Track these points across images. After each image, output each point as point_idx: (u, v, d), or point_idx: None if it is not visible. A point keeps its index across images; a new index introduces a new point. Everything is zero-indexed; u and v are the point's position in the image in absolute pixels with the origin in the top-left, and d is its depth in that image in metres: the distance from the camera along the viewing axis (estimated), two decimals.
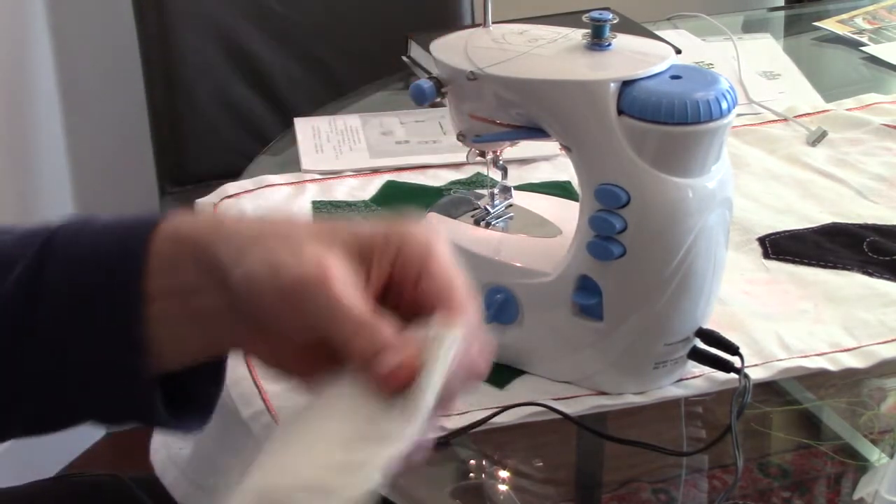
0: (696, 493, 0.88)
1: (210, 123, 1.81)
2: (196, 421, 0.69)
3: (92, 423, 0.71)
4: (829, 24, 1.64)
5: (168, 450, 1.01)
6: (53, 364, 0.65)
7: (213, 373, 0.69)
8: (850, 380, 0.95)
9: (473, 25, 1.45)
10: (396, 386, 0.58)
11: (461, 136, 0.94)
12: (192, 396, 0.68)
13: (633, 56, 0.88)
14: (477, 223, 0.97)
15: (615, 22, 0.88)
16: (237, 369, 0.93)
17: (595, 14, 0.88)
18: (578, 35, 0.90)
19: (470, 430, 0.87)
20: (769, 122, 1.36)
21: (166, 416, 0.66)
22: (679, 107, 0.82)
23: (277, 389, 0.90)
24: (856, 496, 0.83)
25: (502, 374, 0.93)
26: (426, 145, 1.30)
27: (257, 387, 0.91)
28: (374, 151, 1.28)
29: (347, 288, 0.60)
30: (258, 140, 1.54)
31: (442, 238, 0.63)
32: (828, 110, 1.38)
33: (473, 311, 0.61)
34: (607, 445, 0.90)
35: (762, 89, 1.43)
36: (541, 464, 0.89)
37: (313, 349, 0.62)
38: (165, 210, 1.79)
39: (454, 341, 0.58)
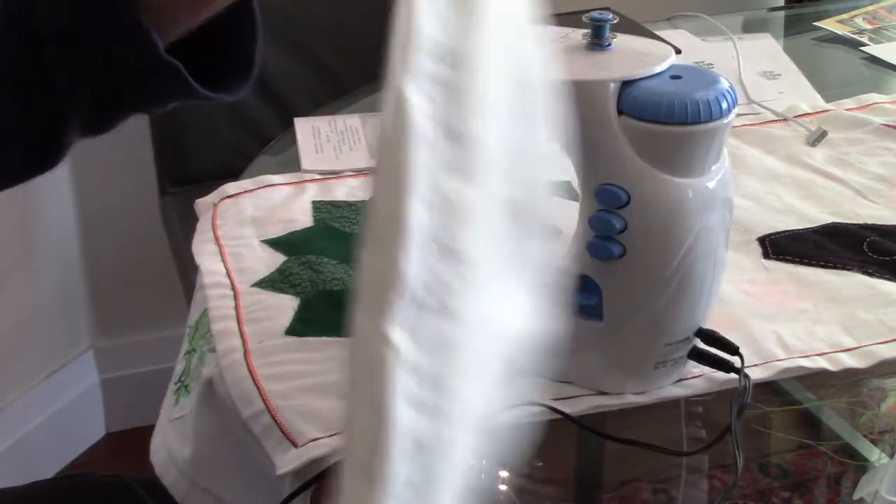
0: (696, 493, 0.88)
1: (210, 123, 1.81)
2: (241, 81, 0.70)
3: (138, 110, 0.72)
4: (829, 24, 1.64)
5: (168, 450, 1.01)
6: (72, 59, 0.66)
7: (246, 24, 0.70)
8: (850, 380, 0.95)
9: None
10: None
11: None
12: (231, 57, 0.70)
13: (633, 56, 0.88)
14: None
15: (615, 22, 0.88)
16: (237, 369, 0.93)
17: (595, 14, 0.88)
18: (578, 35, 0.90)
19: None
20: (769, 122, 1.36)
21: (200, 87, 0.68)
22: (679, 107, 0.82)
23: (277, 389, 0.90)
24: (856, 496, 0.83)
25: None
26: None
27: (257, 387, 0.91)
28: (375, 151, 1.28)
29: None
30: (258, 140, 1.54)
31: None
32: (828, 110, 1.38)
33: None
34: (607, 445, 0.90)
35: (762, 89, 1.43)
36: (541, 464, 0.89)
37: None
38: (166, 211, 1.77)
39: None
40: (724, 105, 0.84)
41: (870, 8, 1.70)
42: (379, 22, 2.03)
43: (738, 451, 0.83)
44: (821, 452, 0.89)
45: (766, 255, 1.10)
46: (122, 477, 1.13)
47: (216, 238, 1.11)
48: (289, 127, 1.36)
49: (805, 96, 1.42)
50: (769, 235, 1.13)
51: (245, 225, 1.14)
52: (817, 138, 1.31)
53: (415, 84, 0.56)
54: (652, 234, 0.85)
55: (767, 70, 1.49)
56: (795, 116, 1.36)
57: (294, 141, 1.31)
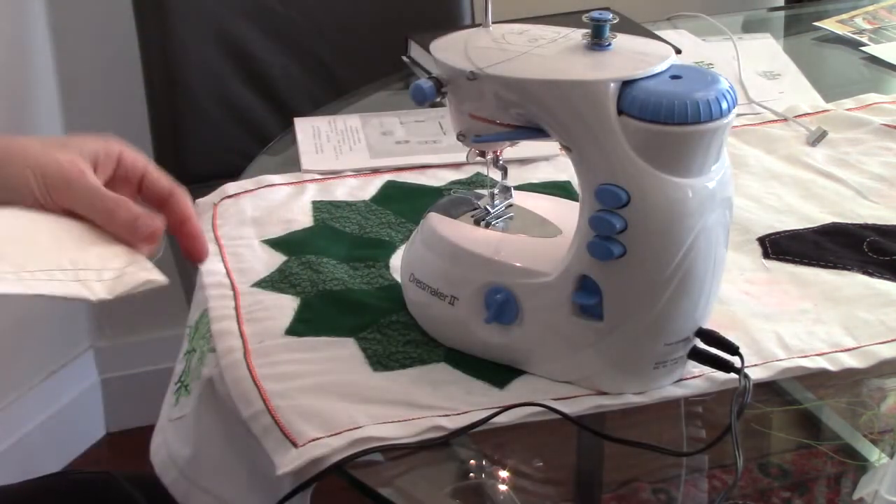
0: (696, 493, 0.88)
1: (210, 123, 1.81)
2: None
3: None
4: (829, 24, 1.64)
5: (168, 450, 1.01)
6: None
7: None
8: (850, 380, 0.95)
9: (473, 25, 1.45)
10: (152, 243, 0.88)
11: (461, 136, 0.94)
12: None
13: (633, 56, 0.88)
14: (477, 223, 0.97)
15: (615, 22, 0.88)
16: (237, 369, 0.93)
17: (595, 14, 0.88)
18: (578, 35, 0.90)
19: (470, 430, 0.87)
20: (769, 122, 1.36)
21: None
22: (679, 107, 0.82)
23: (277, 389, 0.90)
24: (856, 496, 0.83)
25: (502, 374, 0.93)
26: (426, 145, 1.30)
27: (257, 387, 0.91)
28: (374, 151, 1.28)
29: (96, 180, 0.88)
30: (258, 140, 1.54)
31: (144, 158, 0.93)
32: (828, 110, 1.38)
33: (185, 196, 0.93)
34: (607, 445, 0.90)
35: (762, 89, 1.43)
36: (541, 464, 0.89)
37: None
38: None
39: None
40: (724, 105, 0.84)
41: (870, 8, 1.70)
42: (379, 22, 2.05)
43: (738, 451, 0.83)
44: (821, 452, 0.89)
45: (766, 255, 1.10)
46: (111, 473, 1.13)
47: (216, 238, 1.12)
48: (289, 127, 1.36)
49: (805, 96, 1.42)
50: (769, 235, 1.13)
51: (245, 225, 1.14)
52: (817, 138, 1.31)
53: None
54: (652, 234, 0.85)
55: (767, 70, 1.49)
56: (795, 116, 1.36)
57: (294, 141, 1.31)
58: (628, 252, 0.85)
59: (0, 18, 1.85)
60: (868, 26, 1.64)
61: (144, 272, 0.86)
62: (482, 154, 0.96)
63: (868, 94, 1.41)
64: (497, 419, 0.88)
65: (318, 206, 1.17)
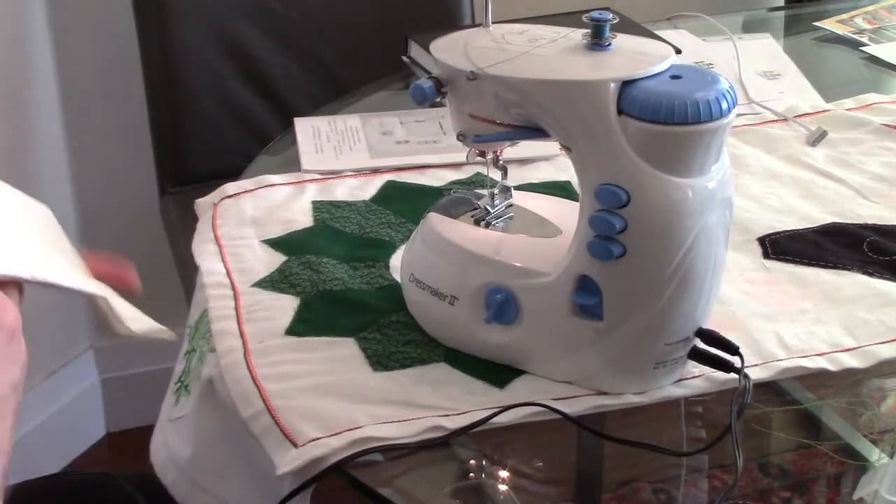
0: (696, 493, 0.88)
1: (210, 123, 1.81)
2: None
3: None
4: (829, 24, 1.64)
5: (168, 450, 1.01)
6: None
7: None
8: (850, 380, 0.95)
9: (473, 25, 1.45)
10: None
11: (461, 136, 0.94)
12: None
13: (633, 56, 0.88)
14: (477, 223, 0.97)
15: (615, 22, 0.88)
16: (237, 369, 0.93)
17: (595, 14, 0.88)
18: (578, 35, 0.90)
19: (470, 430, 0.87)
20: (769, 122, 1.36)
21: None
22: (679, 107, 0.82)
23: (277, 389, 0.90)
24: (856, 496, 0.83)
25: (502, 374, 0.93)
26: (426, 145, 1.30)
27: (257, 387, 0.91)
28: (374, 151, 1.28)
29: None
30: (258, 140, 1.54)
31: None
32: (828, 110, 1.38)
33: None
34: (607, 445, 0.90)
35: (762, 89, 1.43)
36: (541, 464, 0.89)
37: None
38: (166, 211, 1.77)
39: None
40: (724, 105, 0.84)
41: (870, 8, 1.70)
42: (379, 22, 2.05)
43: (738, 451, 0.83)
44: (821, 452, 0.89)
45: (766, 255, 1.10)
46: (110, 474, 1.13)
47: (216, 238, 1.11)
48: (289, 127, 1.36)
49: (805, 96, 1.42)
50: (769, 235, 1.13)
51: (245, 225, 1.14)
52: (817, 138, 1.31)
53: None
54: (652, 234, 0.85)
55: (767, 70, 1.49)
56: (795, 116, 1.36)
57: (294, 141, 1.31)
58: (628, 252, 0.85)
59: (0, 18, 1.85)
60: (868, 26, 1.64)
61: (157, 324, 0.87)
62: (482, 154, 0.96)
63: (868, 94, 1.41)
64: (497, 419, 0.88)
65: (318, 206, 1.17)
